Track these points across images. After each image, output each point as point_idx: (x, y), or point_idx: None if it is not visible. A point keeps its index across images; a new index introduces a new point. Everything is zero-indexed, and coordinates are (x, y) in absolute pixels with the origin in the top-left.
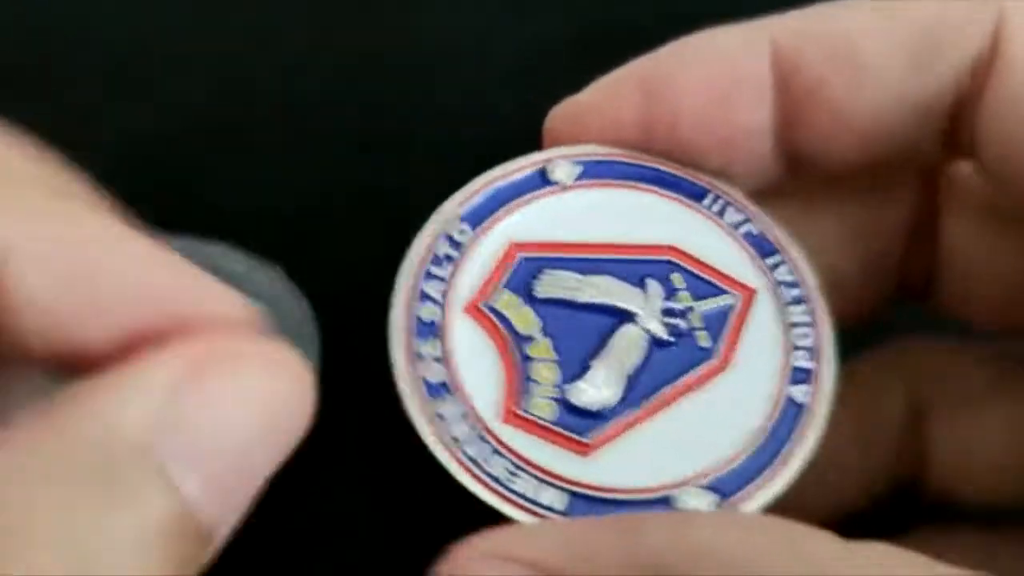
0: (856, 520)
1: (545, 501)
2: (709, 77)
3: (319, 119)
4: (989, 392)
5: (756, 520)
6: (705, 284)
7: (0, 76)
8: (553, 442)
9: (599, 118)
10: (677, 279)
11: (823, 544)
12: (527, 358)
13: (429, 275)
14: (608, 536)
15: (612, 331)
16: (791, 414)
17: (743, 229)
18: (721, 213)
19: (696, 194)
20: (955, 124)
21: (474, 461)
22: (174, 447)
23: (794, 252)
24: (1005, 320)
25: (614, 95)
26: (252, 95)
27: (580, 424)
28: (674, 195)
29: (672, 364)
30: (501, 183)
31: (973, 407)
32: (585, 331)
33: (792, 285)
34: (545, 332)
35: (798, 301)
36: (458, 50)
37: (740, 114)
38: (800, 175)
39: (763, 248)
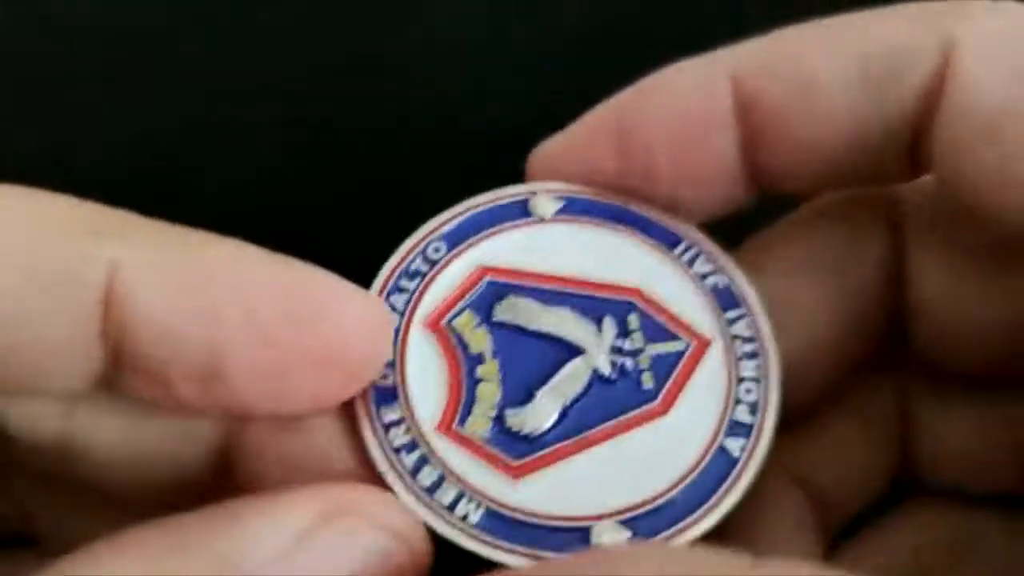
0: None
1: (461, 513)
2: (676, 114)
3: (320, 119)
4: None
5: (666, 551)
6: (660, 329)
7: (0, 77)
8: (483, 460)
9: (577, 159)
10: (633, 320)
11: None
12: (474, 377)
13: (398, 288)
14: None
15: (559, 362)
16: (722, 465)
17: (710, 280)
18: (691, 262)
19: (669, 241)
20: (916, 143)
21: (404, 465)
22: None
23: (756, 308)
24: (983, 367)
25: (590, 136)
26: (252, 95)
27: (513, 447)
28: (647, 239)
29: (612, 401)
30: (483, 209)
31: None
32: (534, 358)
33: (748, 340)
34: (495, 354)
35: (751, 356)
36: (461, 49)
37: (708, 146)
38: (770, 194)
39: (725, 300)
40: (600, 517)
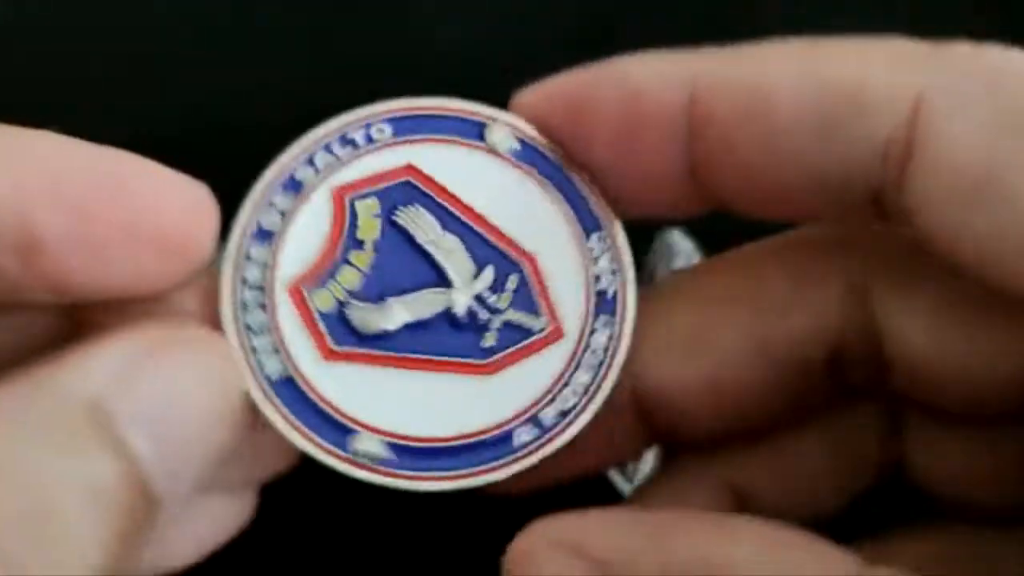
0: (852, 516)
1: (267, 370)
2: (622, 109)
3: (319, 119)
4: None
5: (787, 537)
6: (529, 302)
7: (0, 76)
8: (308, 331)
9: (534, 108)
10: (512, 281)
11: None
12: (346, 258)
13: (328, 149)
14: (643, 541)
15: (424, 285)
16: (501, 448)
17: (603, 282)
18: (597, 257)
19: (590, 227)
20: (883, 191)
21: (244, 305)
22: (127, 410)
23: (627, 326)
24: (966, 409)
25: (546, 101)
26: (252, 96)
27: (340, 333)
28: (572, 217)
29: (448, 341)
30: (443, 114)
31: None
32: (406, 270)
33: (601, 352)
34: (376, 248)
35: (595, 368)
36: (461, 49)
37: (648, 150)
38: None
39: (607, 305)
40: (368, 428)
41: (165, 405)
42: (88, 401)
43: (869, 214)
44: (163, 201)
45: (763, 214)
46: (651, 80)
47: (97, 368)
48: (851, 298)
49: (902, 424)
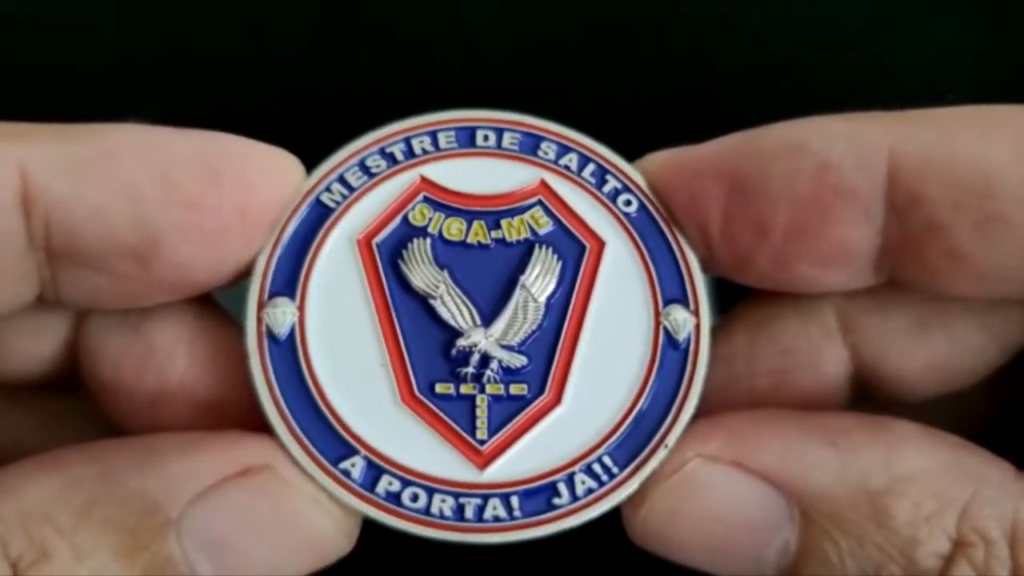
0: None
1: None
2: (809, 186)
3: (319, 118)
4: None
5: (956, 442)
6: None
7: (2, 76)
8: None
9: (682, 198)
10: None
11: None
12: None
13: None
14: (825, 451)
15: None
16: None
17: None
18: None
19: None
20: None
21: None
22: (197, 533)
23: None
24: None
25: (699, 178)
26: (254, 91)
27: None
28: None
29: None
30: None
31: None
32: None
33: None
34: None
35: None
36: (463, 49)
37: (840, 231)
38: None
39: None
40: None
41: (235, 537)
42: (162, 514)
43: None
44: (264, 180)
45: (951, 297)
46: (842, 156)
47: (180, 484)
48: None
49: None
